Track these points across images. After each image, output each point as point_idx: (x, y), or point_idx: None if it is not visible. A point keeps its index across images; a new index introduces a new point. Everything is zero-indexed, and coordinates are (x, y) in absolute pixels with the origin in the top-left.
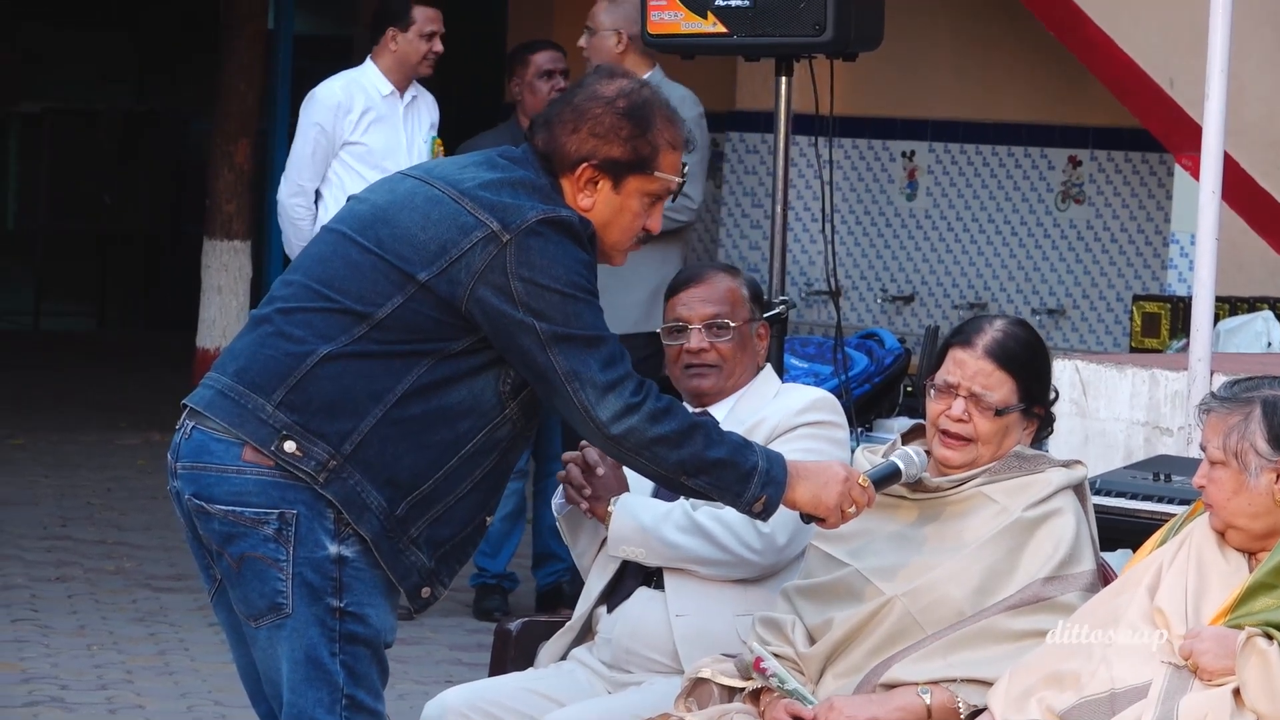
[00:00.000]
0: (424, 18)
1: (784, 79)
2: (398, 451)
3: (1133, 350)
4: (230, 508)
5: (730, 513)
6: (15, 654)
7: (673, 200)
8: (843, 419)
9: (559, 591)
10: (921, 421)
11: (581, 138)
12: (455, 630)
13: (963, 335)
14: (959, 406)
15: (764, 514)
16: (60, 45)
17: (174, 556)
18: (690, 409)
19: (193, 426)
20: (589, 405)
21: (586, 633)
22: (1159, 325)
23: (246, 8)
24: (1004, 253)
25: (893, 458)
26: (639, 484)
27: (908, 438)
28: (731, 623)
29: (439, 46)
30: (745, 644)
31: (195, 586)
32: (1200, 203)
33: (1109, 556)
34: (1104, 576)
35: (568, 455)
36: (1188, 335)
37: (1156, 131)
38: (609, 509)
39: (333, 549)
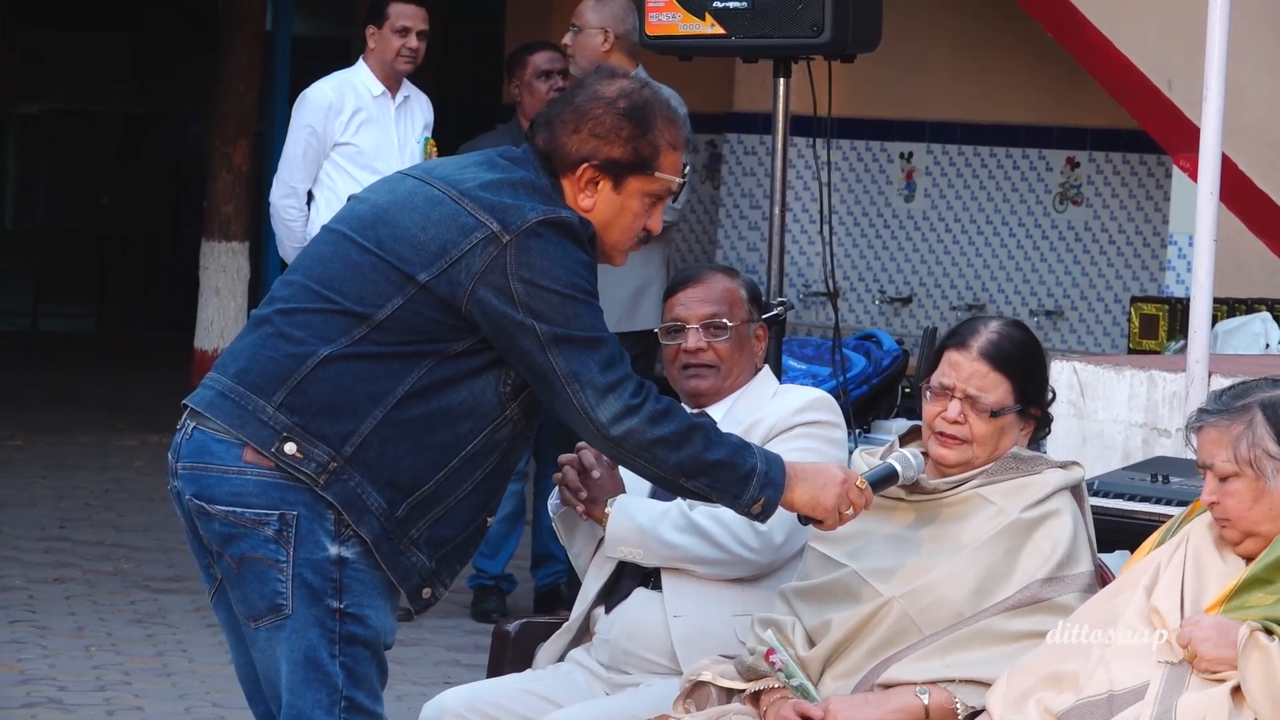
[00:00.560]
0: (396, 13)
1: (782, 80)
2: (398, 453)
3: (1131, 351)
4: (230, 508)
5: (728, 512)
6: (13, 655)
7: (673, 201)
8: (840, 419)
9: (557, 593)
10: (919, 423)
11: (582, 138)
12: (453, 631)
13: (958, 337)
14: (955, 408)
15: (762, 516)
16: (60, 46)
17: (172, 558)
18: (688, 410)
19: (194, 427)
20: (589, 407)
21: (584, 634)
22: (1157, 326)
23: (245, 9)
24: (1002, 254)
25: (890, 460)
26: (635, 485)
27: (905, 440)
28: (729, 623)
29: (413, 43)
30: (755, 634)
31: (193, 588)
32: (1198, 204)
33: (1107, 558)
34: (1102, 577)
35: (564, 458)
36: (1186, 337)
37: (1154, 133)
38: (606, 510)
39: (333, 550)
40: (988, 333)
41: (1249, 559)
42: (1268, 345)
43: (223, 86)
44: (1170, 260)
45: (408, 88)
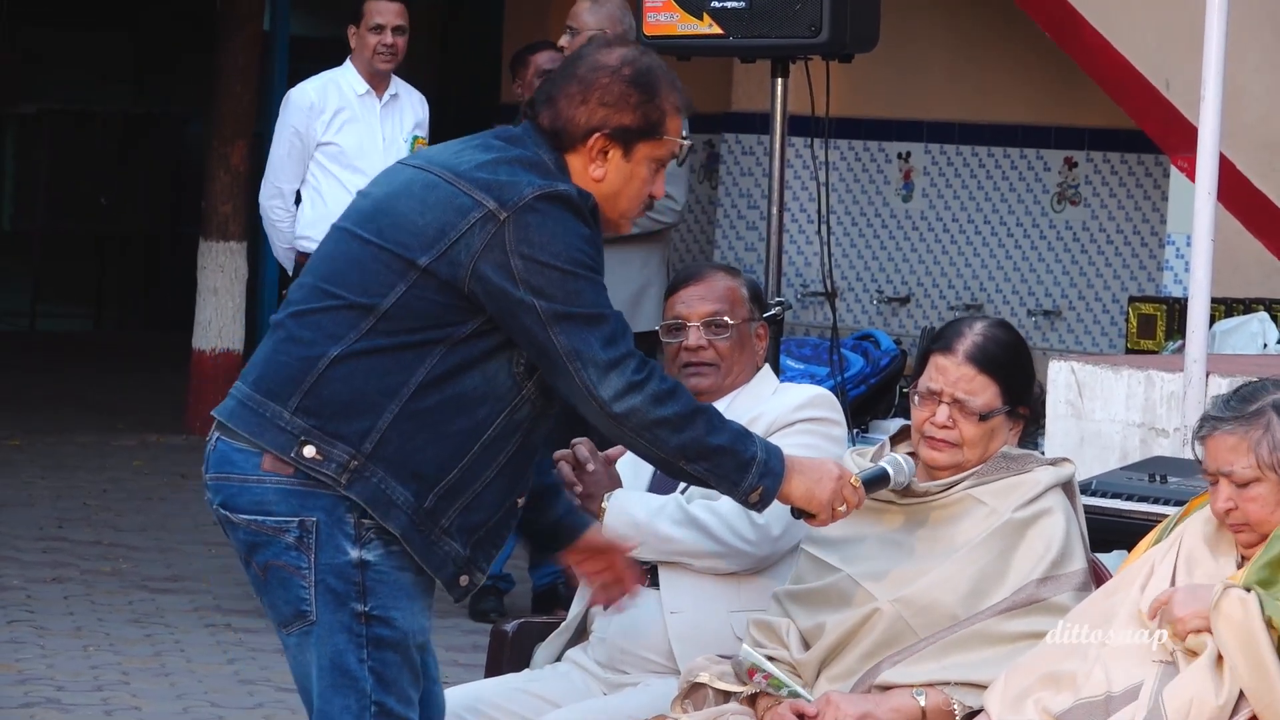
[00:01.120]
0: (371, 11)
1: (780, 80)
2: (419, 444)
3: (1128, 351)
4: (253, 517)
5: (724, 504)
6: (11, 655)
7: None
8: (841, 416)
9: (555, 593)
10: (909, 424)
11: (591, 108)
12: (451, 631)
13: (943, 341)
14: (943, 413)
15: (760, 505)
16: (59, 46)
17: (170, 558)
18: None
19: (218, 438)
20: (591, 384)
21: (581, 633)
22: (1155, 326)
23: (242, 9)
24: (1000, 254)
25: (882, 463)
26: (631, 481)
27: (896, 440)
28: (726, 619)
29: (389, 39)
30: (741, 649)
31: (192, 588)
32: (1196, 204)
33: (1105, 557)
34: (1097, 575)
35: (559, 454)
36: (1183, 336)
37: (1152, 133)
38: (603, 506)
39: (354, 554)
40: (973, 335)
41: (1239, 556)
42: (1265, 345)
43: (220, 87)
44: (1168, 260)
45: (397, 86)
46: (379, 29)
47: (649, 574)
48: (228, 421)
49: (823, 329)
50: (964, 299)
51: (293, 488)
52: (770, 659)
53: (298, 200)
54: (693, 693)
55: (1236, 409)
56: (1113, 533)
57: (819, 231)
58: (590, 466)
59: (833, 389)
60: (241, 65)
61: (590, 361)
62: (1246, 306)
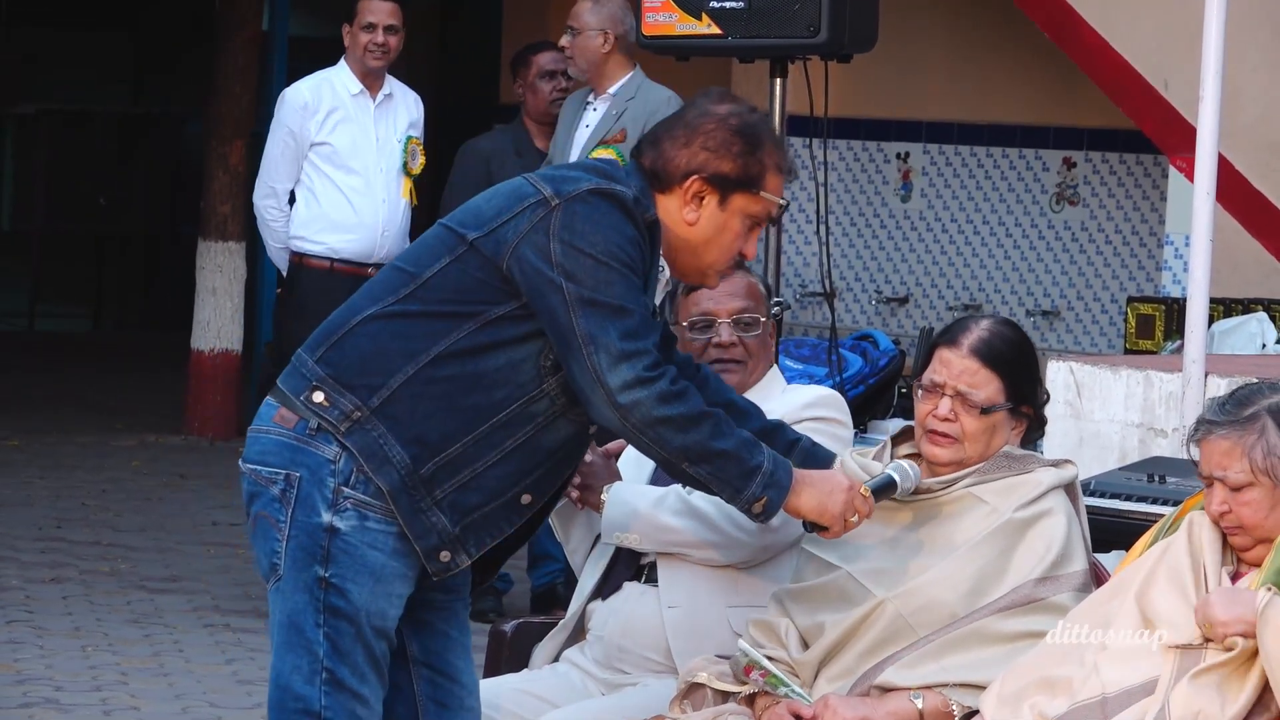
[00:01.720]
0: (363, 10)
1: (778, 80)
2: (428, 410)
3: (1127, 352)
4: (254, 466)
5: None
6: (10, 655)
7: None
8: (848, 417)
9: (554, 592)
10: (911, 423)
11: (693, 151)
12: None
13: (949, 335)
14: (945, 405)
15: (763, 515)
16: (58, 46)
17: (169, 558)
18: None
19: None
20: (600, 369)
21: (579, 632)
22: (1153, 327)
23: (241, 9)
24: (998, 254)
25: (888, 470)
26: (634, 477)
27: (898, 440)
28: (724, 614)
29: (380, 38)
30: (738, 644)
31: (190, 588)
32: (1195, 204)
33: (1104, 558)
34: (1097, 576)
35: None
36: (1182, 337)
37: (1151, 133)
38: (602, 497)
39: (326, 517)
40: (979, 330)
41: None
42: (1264, 345)
43: (219, 87)
44: (1167, 260)
45: (391, 86)
46: (371, 28)
47: (646, 571)
48: (278, 380)
49: (821, 329)
50: (963, 299)
51: (288, 441)
52: (770, 659)
53: (293, 200)
54: (691, 693)
55: (1231, 413)
56: (1111, 533)
57: (817, 232)
58: (589, 458)
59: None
60: (240, 65)
61: (604, 348)
62: (1245, 307)
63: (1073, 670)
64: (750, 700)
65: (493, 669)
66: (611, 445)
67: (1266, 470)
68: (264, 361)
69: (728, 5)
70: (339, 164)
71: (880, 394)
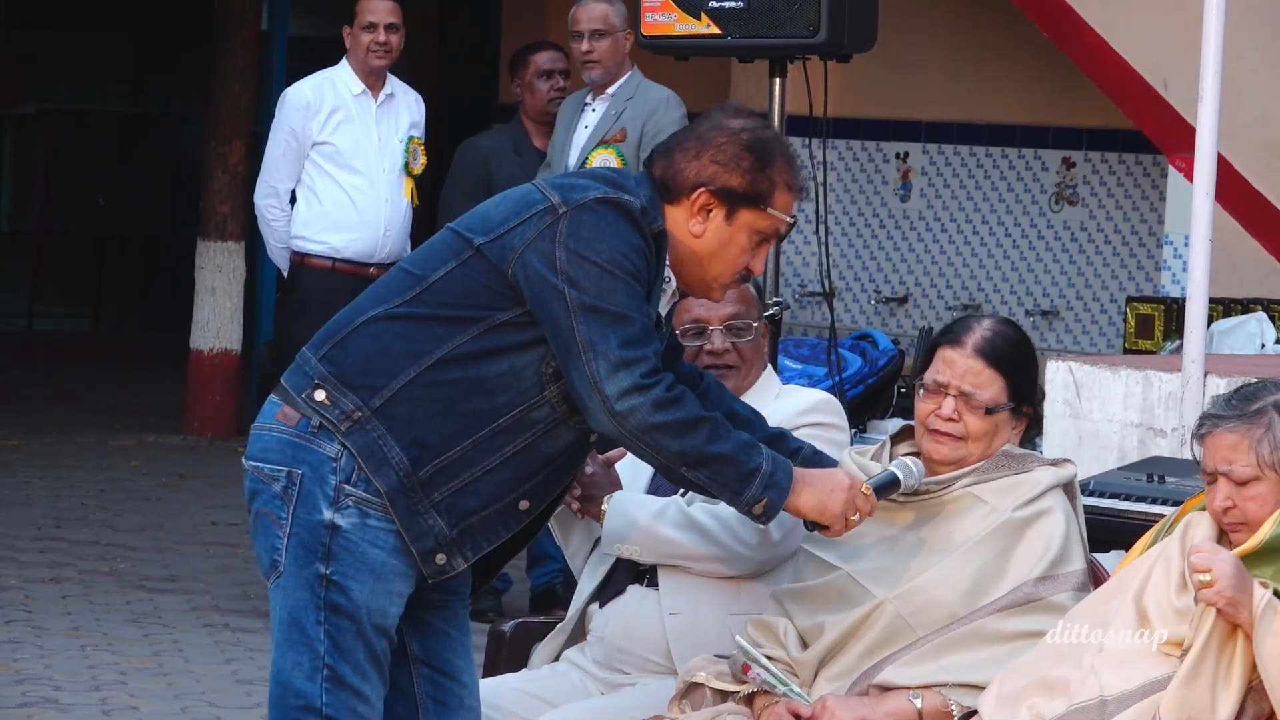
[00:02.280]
0: (363, 10)
1: (778, 80)
2: (428, 413)
3: (1126, 351)
4: (255, 463)
5: (725, 508)
6: (9, 655)
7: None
8: (844, 422)
9: (553, 593)
10: (911, 423)
11: (703, 164)
12: None
13: (951, 334)
14: (949, 405)
15: (764, 517)
16: (57, 46)
17: (168, 558)
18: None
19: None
20: (598, 376)
21: (579, 633)
22: (1153, 327)
23: (240, 9)
24: (998, 254)
25: (891, 467)
26: (630, 481)
27: (897, 439)
28: (725, 621)
29: (381, 37)
30: (736, 645)
31: (189, 588)
32: (1194, 204)
33: (1103, 558)
34: (1095, 576)
35: None
36: (1181, 337)
37: (1150, 133)
38: (603, 508)
39: (327, 515)
40: (982, 330)
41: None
42: (1263, 345)
43: (219, 87)
44: (1166, 260)
45: (393, 85)
46: (372, 27)
47: (647, 574)
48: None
49: (821, 329)
50: (962, 299)
51: (290, 438)
52: (769, 658)
53: (293, 200)
54: (690, 692)
55: (1238, 407)
56: (1110, 533)
57: (817, 232)
58: (589, 468)
59: (830, 389)
60: (240, 65)
61: (603, 355)
62: (1244, 306)
63: (1071, 671)
64: (749, 700)
65: (492, 669)
66: (611, 454)
67: (1273, 464)
68: (263, 361)
69: (727, 5)
70: (341, 164)
71: (879, 394)
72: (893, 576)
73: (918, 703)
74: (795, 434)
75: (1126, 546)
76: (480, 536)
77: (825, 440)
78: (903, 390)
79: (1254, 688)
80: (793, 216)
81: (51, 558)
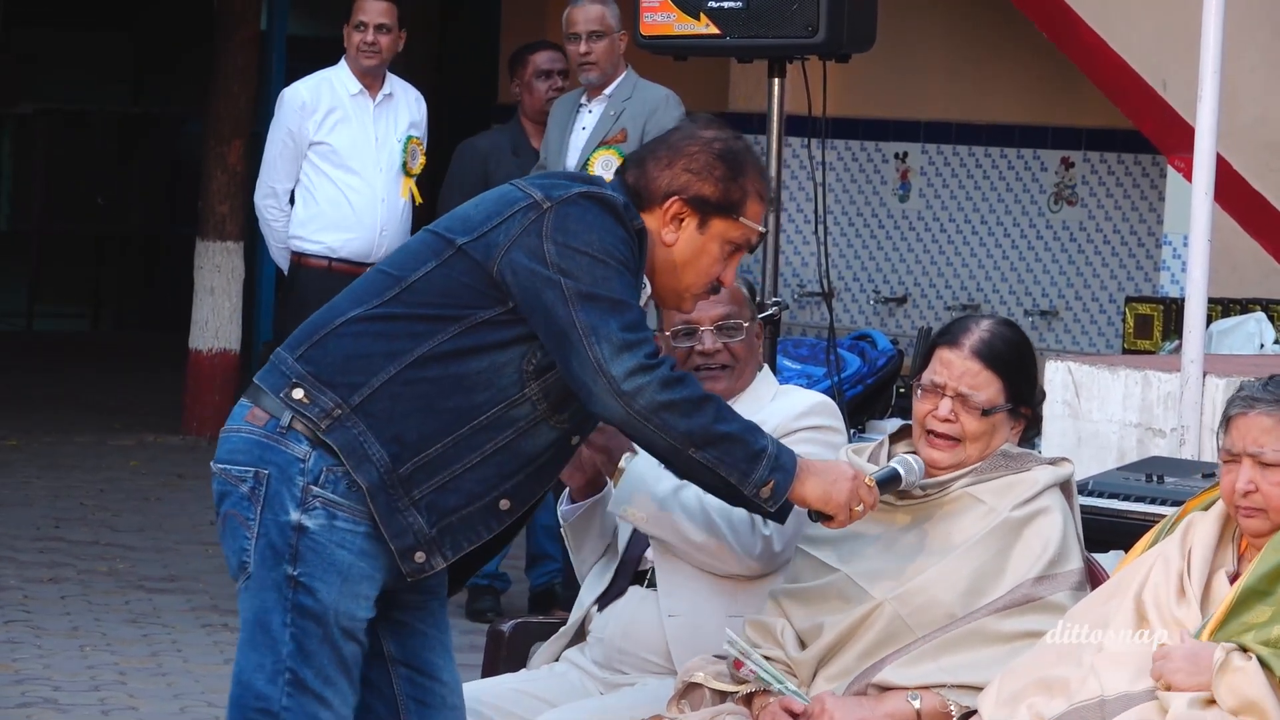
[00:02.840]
0: (356, 8)
1: (777, 80)
2: (407, 410)
3: (1125, 352)
4: (223, 465)
5: (738, 513)
6: (8, 655)
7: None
8: (841, 424)
9: (552, 592)
10: (909, 422)
11: (675, 172)
12: None
13: (949, 335)
14: (946, 406)
15: (771, 500)
16: (57, 46)
17: (167, 558)
18: None
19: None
20: (603, 359)
21: (579, 635)
22: (1152, 327)
23: (240, 9)
24: (996, 254)
25: (893, 464)
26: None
27: (896, 438)
28: (724, 623)
29: (370, 37)
30: (728, 643)
31: (188, 588)
32: (1193, 204)
33: (1102, 558)
34: (1093, 576)
35: None
36: (1180, 337)
37: (1149, 133)
38: (620, 466)
39: (294, 516)
40: (979, 331)
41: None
42: (1262, 345)
43: (218, 87)
44: (1165, 260)
45: (392, 85)
46: (362, 27)
47: (647, 576)
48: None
49: (820, 329)
50: (961, 299)
51: (257, 439)
52: (767, 658)
53: (293, 200)
54: (689, 693)
55: (1274, 392)
56: (1110, 533)
57: (816, 232)
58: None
59: (829, 389)
60: (239, 65)
61: (606, 338)
62: (1243, 306)
63: (1070, 671)
64: (748, 700)
65: (491, 669)
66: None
67: None
68: (262, 361)
69: (726, 5)
70: (338, 163)
71: (878, 394)
72: (891, 577)
73: (916, 703)
74: (793, 436)
75: (1126, 547)
76: (461, 536)
77: (823, 444)
78: (901, 390)
79: None
80: (764, 228)
81: (50, 558)
